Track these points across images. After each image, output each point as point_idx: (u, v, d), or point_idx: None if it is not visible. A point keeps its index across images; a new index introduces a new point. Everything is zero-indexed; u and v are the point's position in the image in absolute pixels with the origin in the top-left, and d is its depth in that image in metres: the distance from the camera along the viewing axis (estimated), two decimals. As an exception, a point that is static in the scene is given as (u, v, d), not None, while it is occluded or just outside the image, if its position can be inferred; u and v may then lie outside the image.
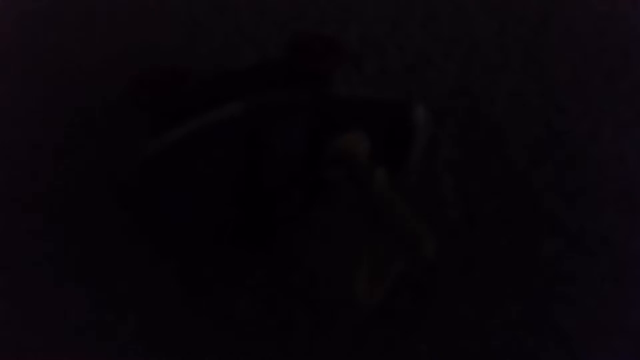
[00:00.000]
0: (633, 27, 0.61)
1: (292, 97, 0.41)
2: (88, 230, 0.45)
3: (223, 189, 0.41)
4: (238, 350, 0.39)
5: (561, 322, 0.41)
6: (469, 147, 0.50)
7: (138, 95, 0.43)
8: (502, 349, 0.39)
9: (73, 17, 0.61)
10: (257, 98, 0.41)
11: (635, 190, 0.48)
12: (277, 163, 0.41)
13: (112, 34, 0.59)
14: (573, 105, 0.54)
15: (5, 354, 0.39)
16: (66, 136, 0.51)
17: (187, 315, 0.41)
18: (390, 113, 0.42)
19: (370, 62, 0.57)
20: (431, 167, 0.49)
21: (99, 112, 0.52)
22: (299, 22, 0.60)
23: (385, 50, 0.58)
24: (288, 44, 0.45)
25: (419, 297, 0.42)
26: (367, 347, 0.39)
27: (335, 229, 0.42)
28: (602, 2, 0.63)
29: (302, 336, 0.40)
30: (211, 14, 0.61)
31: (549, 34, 0.60)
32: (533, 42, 0.59)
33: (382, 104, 0.43)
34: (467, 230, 0.45)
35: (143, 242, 0.44)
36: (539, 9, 0.63)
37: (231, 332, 0.40)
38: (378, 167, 0.38)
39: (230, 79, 0.44)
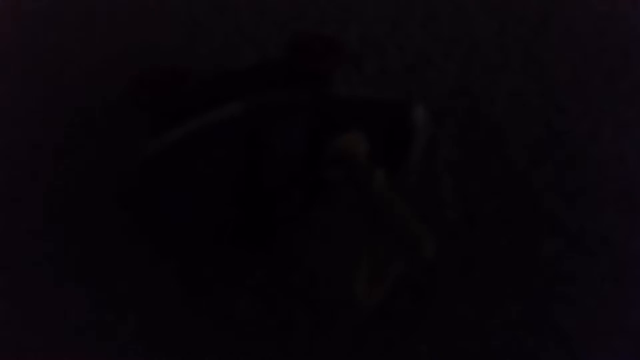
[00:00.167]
0: (633, 27, 0.61)
1: (292, 97, 0.41)
2: (88, 230, 0.45)
3: (223, 189, 0.41)
4: (238, 350, 0.39)
5: (561, 322, 0.41)
6: (469, 147, 0.50)
7: (138, 95, 0.43)
8: (502, 349, 0.39)
9: (73, 17, 0.61)
10: (257, 98, 0.41)
11: (635, 190, 0.48)
12: (277, 163, 0.41)
13: (112, 34, 0.59)
14: (573, 105, 0.54)
15: (5, 354, 0.39)
16: (66, 136, 0.51)
17: (187, 315, 0.41)
18: (389, 113, 0.42)
19: (370, 62, 0.57)
20: (431, 167, 0.49)
21: (99, 112, 0.52)
22: (299, 22, 0.60)
23: (385, 50, 0.58)
24: (288, 43, 0.45)
25: (418, 298, 0.42)
26: (367, 348, 0.39)
27: (335, 229, 0.42)
28: (602, 2, 0.63)
29: (302, 336, 0.40)
30: (211, 14, 0.61)
31: (549, 34, 0.60)
32: (533, 42, 0.59)
33: (381, 104, 0.43)
34: (466, 231, 0.45)
35: (143, 242, 0.44)
36: (539, 9, 0.63)
37: (231, 332, 0.40)
38: (377, 168, 0.38)
39: (230, 79, 0.44)
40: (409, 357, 0.39)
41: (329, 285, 0.42)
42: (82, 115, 0.52)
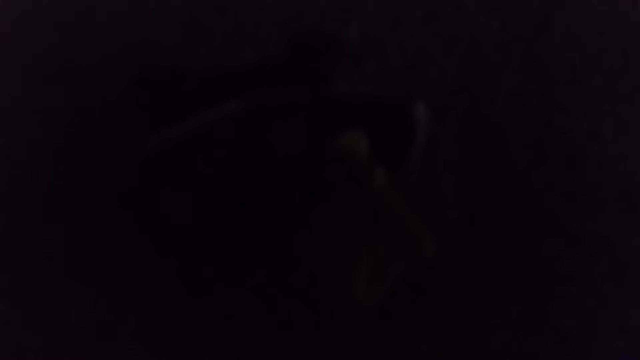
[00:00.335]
0: (633, 27, 0.61)
1: (292, 96, 0.41)
2: (88, 230, 0.45)
3: (223, 188, 0.41)
4: (238, 350, 0.39)
5: (561, 322, 0.41)
6: (469, 147, 0.50)
7: (138, 95, 0.43)
8: (502, 349, 0.39)
9: (73, 17, 0.61)
10: (257, 96, 0.41)
11: (635, 190, 0.48)
12: (276, 162, 0.41)
13: (112, 34, 0.59)
14: (573, 105, 0.54)
15: (5, 354, 0.39)
16: (66, 136, 0.51)
17: (187, 315, 0.41)
18: (390, 112, 0.42)
19: (370, 61, 0.57)
20: (431, 166, 0.49)
21: (99, 112, 0.52)
22: (299, 21, 0.60)
23: (386, 49, 0.58)
24: (288, 42, 0.45)
25: (418, 297, 0.42)
26: (367, 347, 0.39)
27: (335, 229, 0.42)
28: (602, 2, 0.63)
29: (302, 336, 0.40)
30: (211, 13, 0.61)
31: (549, 33, 0.60)
32: (533, 42, 0.59)
33: (382, 102, 0.43)
34: (467, 230, 0.45)
35: (143, 242, 0.44)
36: (539, 8, 0.63)
37: (231, 332, 0.40)
38: (378, 167, 0.38)
39: (230, 77, 0.44)
40: (409, 357, 0.39)
41: (329, 285, 0.42)
42: (82, 115, 0.52)
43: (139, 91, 0.43)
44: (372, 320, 0.41)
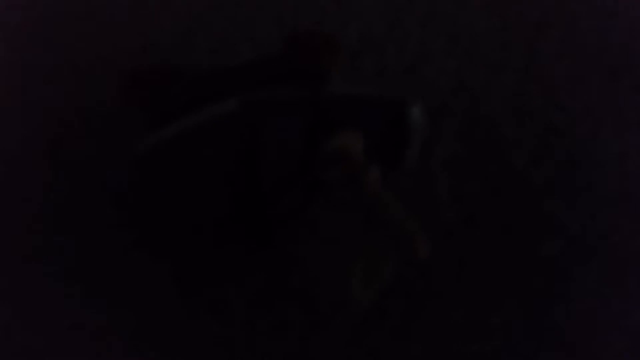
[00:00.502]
0: (634, 26, 0.61)
1: (289, 94, 0.41)
2: (86, 230, 0.45)
3: (219, 187, 0.41)
4: (236, 350, 0.39)
5: (561, 322, 0.41)
6: (468, 146, 0.50)
7: (131, 92, 0.43)
8: (502, 349, 0.39)
9: (73, 17, 0.61)
10: (254, 95, 0.40)
11: (635, 190, 0.48)
12: (273, 161, 0.41)
13: (109, 32, 0.59)
14: (574, 105, 0.54)
15: (5, 354, 0.39)
16: (65, 136, 0.51)
17: (183, 315, 0.41)
18: (386, 111, 0.42)
19: (369, 60, 0.57)
20: (427, 166, 0.49)
21: (96, 111, 0.52)
22: (298, 20, 0.60)
23: (385, 48, 0.58)
24: (286, 40, 0.45)
25: (413, 298, 0.41)
26: (363, 347, 0.39)
27: (330, 229, 0.42)
28: (602, 1, 0.63)
29: (297, 336, 0.40)
30: (209, 12, 0.61)
31: (549, 33, 0.60)
32: (533, 41, 0.59)
33: (379, 102, 0.42)
34: (463, 231, 0.45)
35: (141, 242, 0.44)
36: (539, 7, 0.63)
37: (229, 331, 0.40)
38: (373, 167, 0.38)
39: (227, 75, 0.44)
40: (405, 357, 0.39)
41: (325, 285, 0.42)
42: (80, 115, 0.52)
43: (131, 88, 0.43)
44: (367, 320, 0.41)
